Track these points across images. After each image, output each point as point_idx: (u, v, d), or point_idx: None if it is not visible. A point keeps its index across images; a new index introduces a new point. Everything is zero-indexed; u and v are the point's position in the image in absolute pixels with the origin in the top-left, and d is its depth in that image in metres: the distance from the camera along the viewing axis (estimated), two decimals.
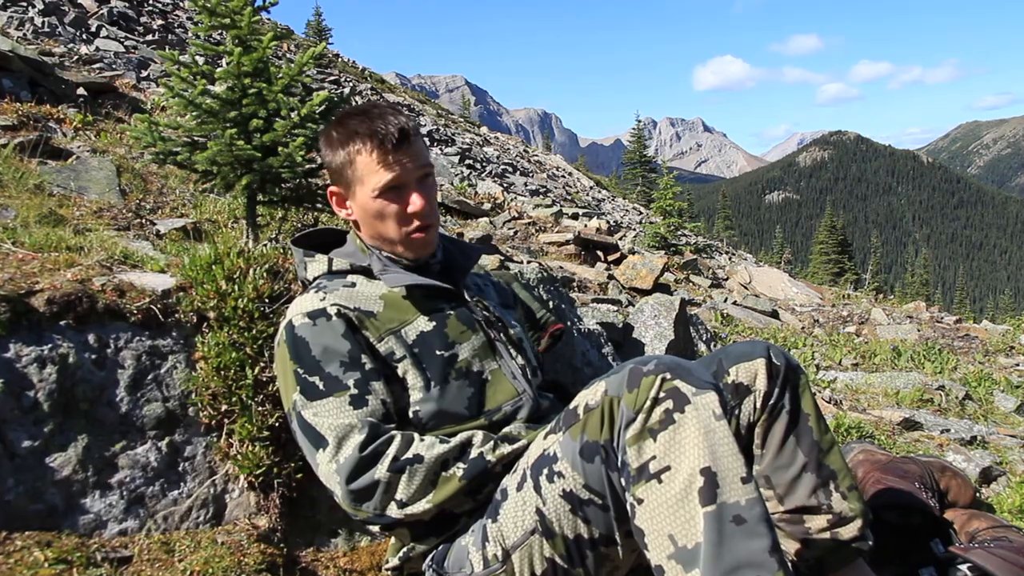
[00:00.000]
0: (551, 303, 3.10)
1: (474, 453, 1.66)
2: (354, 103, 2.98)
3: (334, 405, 1.64)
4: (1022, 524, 2.72)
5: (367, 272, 1.88)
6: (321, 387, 1.66)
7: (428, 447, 1.64)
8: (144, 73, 12.52)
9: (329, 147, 1.85)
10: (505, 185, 18.42)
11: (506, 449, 1.68)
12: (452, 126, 26.91)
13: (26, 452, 1.81)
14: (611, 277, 6.90)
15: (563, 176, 28.88)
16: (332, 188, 1.90)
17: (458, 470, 1.63)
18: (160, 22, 17.03)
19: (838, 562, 1.92)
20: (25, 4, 13.30)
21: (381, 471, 1.59)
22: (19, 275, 1.99)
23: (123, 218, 3.49)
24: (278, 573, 1.93)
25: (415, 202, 1.80)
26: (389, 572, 1.84)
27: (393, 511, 1.61)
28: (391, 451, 1.61)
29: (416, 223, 1.83)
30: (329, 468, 1.62)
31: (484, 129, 33.19)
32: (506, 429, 1.77)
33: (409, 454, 1.62)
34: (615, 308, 4.74)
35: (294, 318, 1.74)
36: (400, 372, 1.75)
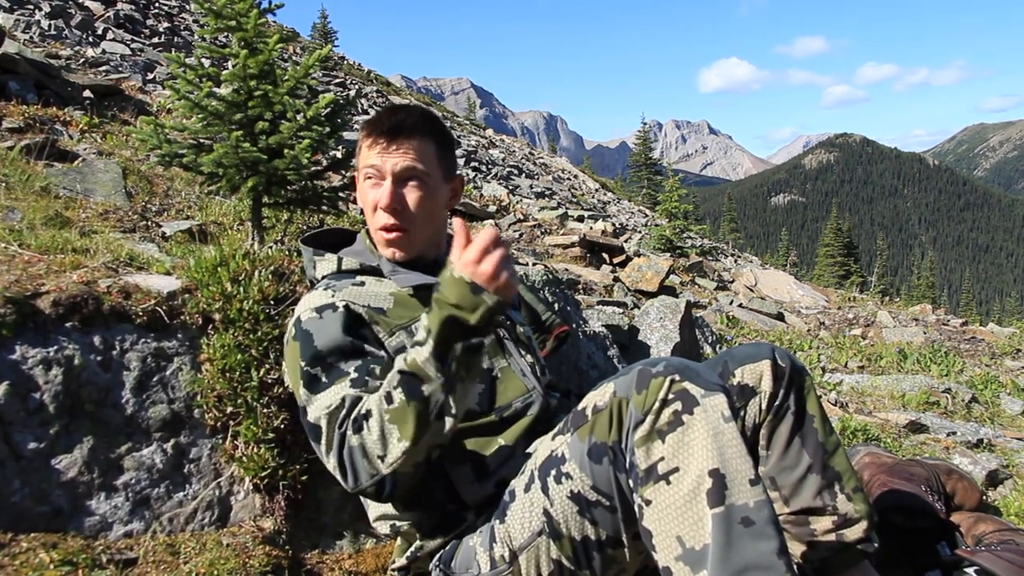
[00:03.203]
0: (556, 305, 3.09)
1: (396, 374, 1.52)
2: (359, 105, 2.98)
3: (334, 393, 1.60)
4: None
5: (376, 272, 1.87)
6: (324, 379, 1.63)
7: (372, 395, 1.55)
8: (150, 75, 12.52)
9: None
10: (511, 187, 18.39)
11: (418, 352, 1.49)
12: (457, 128, 26.90)
13: (32, 454, 1.81)
14: (617, 279, 6.90)
15: (568, 178, 28.86)
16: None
17: (398, 394, 1.49)
18: (166, 25, 17.05)
19: (843, 564, 1.91)
20: (32, 7, 13.33)
21: (350, 438, 1.52)
22: (25, 277, 1.99)
23: (129, 220, 3.49)
24: (283, 575, 1.93)
25: (381, 197, 1.77)
26: (395, 572, 1.84)
27: (382, 468, 1.51)
28: (352, 415, 1.54)
29: (383, 220, 1.80)
30: (329, 459, 1.57)
31: (489, 131, 33.19)
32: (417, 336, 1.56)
33: (362, 409, 1.54)
34: (621, 310, 4.74)
35: (302, 314, 1.73)
36: None
